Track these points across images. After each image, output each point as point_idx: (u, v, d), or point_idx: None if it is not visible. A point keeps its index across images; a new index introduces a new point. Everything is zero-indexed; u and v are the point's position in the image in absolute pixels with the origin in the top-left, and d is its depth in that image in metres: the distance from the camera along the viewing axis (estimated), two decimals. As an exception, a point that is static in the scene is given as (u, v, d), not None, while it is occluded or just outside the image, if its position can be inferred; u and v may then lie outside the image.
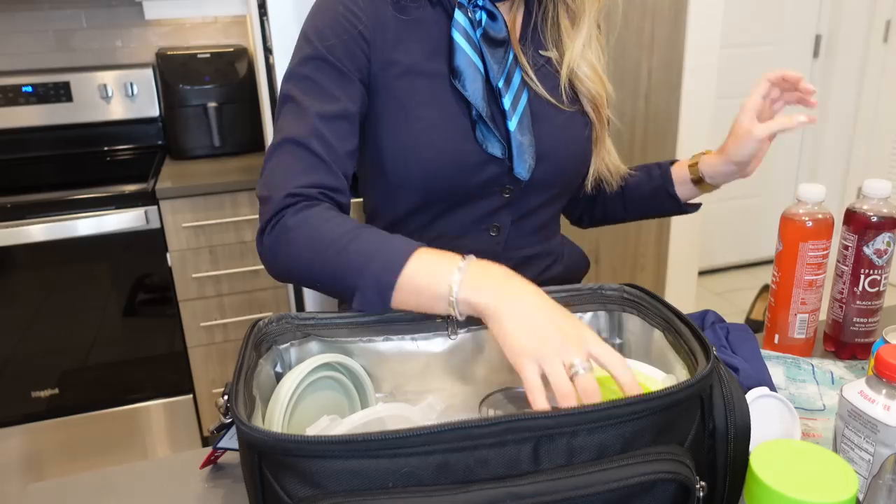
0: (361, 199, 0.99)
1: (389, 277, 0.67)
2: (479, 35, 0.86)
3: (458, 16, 0.85)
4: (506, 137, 0.87)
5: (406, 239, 0.71)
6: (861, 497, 0.57)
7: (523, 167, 0.88)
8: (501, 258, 0.95)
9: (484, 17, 0.86)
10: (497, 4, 0.88)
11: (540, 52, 0.92)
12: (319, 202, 0.77)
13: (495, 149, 0.86)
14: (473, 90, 0.85)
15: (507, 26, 0.88)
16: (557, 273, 1.01)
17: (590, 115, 0.95)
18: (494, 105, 0.87)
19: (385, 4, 0.86)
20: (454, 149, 0.86)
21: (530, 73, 0.90)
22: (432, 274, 0.65)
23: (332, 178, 0.79)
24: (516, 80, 0.88)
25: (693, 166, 1.00)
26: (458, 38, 0.85)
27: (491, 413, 0.69)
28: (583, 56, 0.92)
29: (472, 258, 0.66)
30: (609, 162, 1.00)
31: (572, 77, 0.92)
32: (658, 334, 0.68)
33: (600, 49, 0.96)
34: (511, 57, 0.88)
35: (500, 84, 0.86)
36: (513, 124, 0.87)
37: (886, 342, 0.76)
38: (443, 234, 0.93)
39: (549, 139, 0.90)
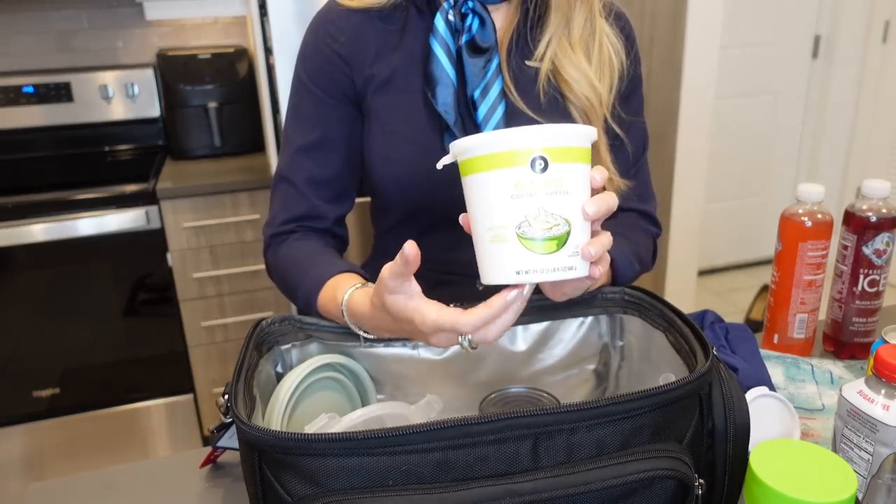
0: (369, 199, 0.99)
1: (313, 299, 0.77)
2: (464, 41, 0.82)
3: (438, 22, 0.82)
4: None
5: (326, 264, 0.79)
6: (860, 496, 0.57)
7: None
8: None
9: (475, 22, 0.82)
10: (490, 8, 0.83)
11: (526, 62, 0.85)
12: (290, 235, 0.88)
13: None
14: (443, 99, 0.82)
15: (495, 33, 0.83)
16: None
17: None
18: (469, 118, 0.83)
19: (370, 18, 0.85)
20: (425, 165, 0.82)
21: (511, 85, 0.84)
22: (331, 311, 0.74)
23: (308, 208, 0.88)
24: (494, 91, 0.83)
25: None
26: (435, 45, 0.82)
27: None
28: (568, 57, 0.83)
29: (345, 303, 0.70)
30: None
31: (559, 83, 0.84)
32: (659, 336, 0.68)
33: (612, 50, 0.85)
34: (494, 66, 0.82)
35: (476, 95, 0.82)
36: None
37: (886, 342, 0.76)
38: (433, 246, 0.92)
39: None
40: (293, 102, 0.89)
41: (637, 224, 0.93)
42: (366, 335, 0.70)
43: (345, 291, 0.70)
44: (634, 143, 0.91)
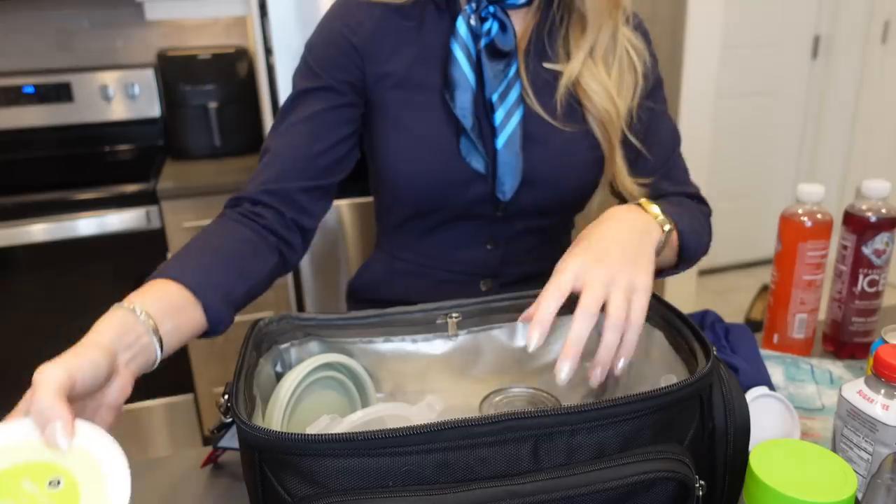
0: (370, 200, 1.00)
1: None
2: (483, 45, 0.82)
3: (460, 24, 0.82)
4: (492, 155, 0.84)
5: (183, 258, 0.70)
6: (860, 496, 0.57)
7: (504, 188, 0.84)
8: (501, 274, 0.94)
9: (495, 27, 0.82)
10: (510, 13, 0.83)
11: (544, 64, 0.85)
12: (235, 210, 0.80)
13: (478, 164, 0.83)
14: (461, 102, 0.82)
15: (516, 37, 0.83)
16: None
17: (597, 136, 0.86)
18: (486, 120, 0.84)
19: (389, 12, 0.85)
20: (438, 164, 0.84)
21: (529, 88, 0.84)
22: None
23: (277, 171, 0.82)
24: (512, 95, 0.83)
25: None
26: (456, 48, 0.82)
27: (491, 412, 0.69)
28: (589, 70, 0.84)
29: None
30: (621, 186, 0.89)
31: (578, 93, 0.85)
32: (659, 335, 0.68)
33: (634, 53, 0.86)
34: (513, 70, 0.83)
35: (495, 98, 0.82)
36: (500, 142, 0.83)
37: (885, 342, 0.76)
38: (440, 243, 0.92)
39: (541, 163, 0.85)
40: (294, 83, 0.88)
41: (687, 201, 0.90)
42: None
43: (133, 301, 0.64)
44: (665, 138, 0.90)
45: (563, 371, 0.58)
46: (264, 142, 0.87)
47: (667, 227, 0.71)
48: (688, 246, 0.79)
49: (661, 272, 0.81)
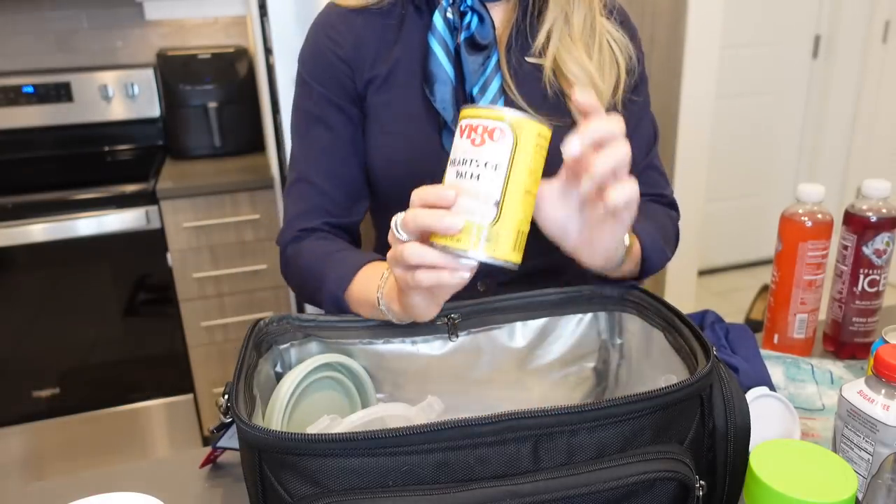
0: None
1: (340, 293, 0.77)
2: (463, 38, 0.82)
3: (437, 19, 0.82)
4: None
5: (356, 256, 0.79)
6: (860, 497, 0.57)
7: None
8: (497, 273, 0.93)
9: (474, 20, 0.82)
10: (489, 6, 0.83)
11: (526, 58, 0.84)
12: (314, 232, 0.87)
13: None
14: (441, 95, 0.82)
15: (494, 30, 0.83)
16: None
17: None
18: None
19: (369, 17, 0.85)
20: (422, 162, 0.84)
21: (510, 81, 0.83)
22: (366, 289, 0.74)
23: (328, 201, 0.88)
24: (493, 88, 0.82)
25: None
26: (433, 42, 0.82)
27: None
28: (568, 51, 0.82)
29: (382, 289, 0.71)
30: None
31: (560, 82, 0.83)
32: (658, 335, 0.68)
33: (617, 47, 0.85)
34: (493, 63, 0.82)
35: (475, 92, 0.82)
36: None
37: (886, 342, 0.76)
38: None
39: None
40: (298, 105, 0.89)
41: (658, 209, 0.91)
42: (396, 319, 0.70)
43: (380, 276, 0.71)
44: (645, 134, 0.90)
45: (573, 143, 0.59)
46: (291, 165, 0.89)
47: (626, 242, 0.72)
48: (650, 262, 0.79)
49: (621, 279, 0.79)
